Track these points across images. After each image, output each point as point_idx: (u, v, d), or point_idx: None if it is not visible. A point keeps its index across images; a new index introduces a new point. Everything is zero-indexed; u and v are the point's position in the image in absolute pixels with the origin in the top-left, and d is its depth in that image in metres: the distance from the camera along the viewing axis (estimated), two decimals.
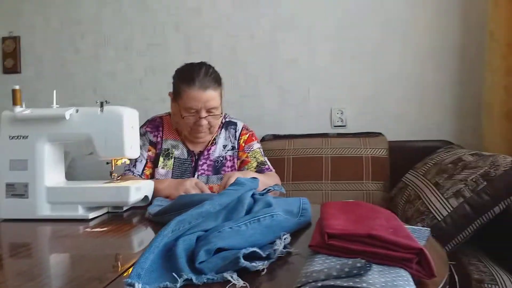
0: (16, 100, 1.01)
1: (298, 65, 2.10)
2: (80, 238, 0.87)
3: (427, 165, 1.58)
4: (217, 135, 1.47)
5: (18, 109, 1.01)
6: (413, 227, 0.86)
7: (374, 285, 0.47)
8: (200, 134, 1.39)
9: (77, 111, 1.00)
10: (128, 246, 0.82)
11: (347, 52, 2.05)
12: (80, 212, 0.99)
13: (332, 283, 0.47)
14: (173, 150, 1.43)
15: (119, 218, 1.01)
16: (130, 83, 2.25)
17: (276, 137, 2.03)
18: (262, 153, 1.51)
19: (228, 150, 1.47)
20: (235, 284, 0.53)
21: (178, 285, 0.53)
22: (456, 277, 1.18)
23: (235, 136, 1.49)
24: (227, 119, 1.52)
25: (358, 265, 0.48)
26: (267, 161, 1.50)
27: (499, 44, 1.54)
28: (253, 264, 0.58)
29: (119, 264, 0.67)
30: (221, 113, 1.42)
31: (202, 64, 1.38)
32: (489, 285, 1.16)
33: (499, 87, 1.54)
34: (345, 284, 0.46)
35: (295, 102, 2.12)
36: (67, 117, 0.98)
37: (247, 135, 1.51)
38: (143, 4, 2.22)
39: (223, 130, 1.49)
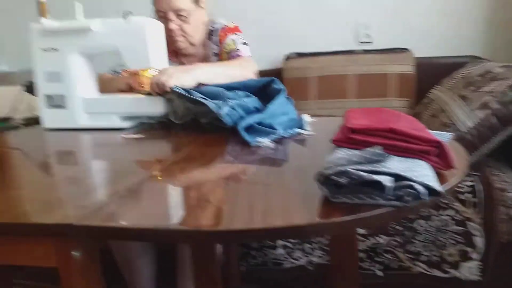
0: (43, 12, 1.03)
1: None
2: (118, 145, 0.93)
3: (454, 79, 1.55)
4: (207, 49, 1.39)
5: (45, 21, 1.03)
6: (435, 132, 0.89)
7: (393, 170, 0.50)
8: (176, 44, 1.31)
9: (102, 22, 1.01)
10: (164, 151, 0.88)
11: None
12: (116, 122, 1.04)
13: (352, 167, 0.50)
14: None
15: (153, 127, 1.07)
16: None
17: (300, 55, 2.01)
18: (238, 41, 1.34)
19: (215, 61, 1.38)
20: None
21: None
22: (481, 186, 1.22)
23: (216, 42, 1.37)
24: (211, 27, 1.38)
25: (378, 151, 0.51)
26: (240, 46, 1.33)
27: None
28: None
29: (158, 166, 0.73)
30: (203, 22, 1.34)
31: None
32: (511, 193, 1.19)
33: None
34: (364, 168, 0.50)
35: (319, 18, 2.05)
36: (93, 28, 1.00)
37: (222, 34, 1.36)
38: None
39: (209, 42, 1.39)
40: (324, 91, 1.91)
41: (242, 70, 1.16)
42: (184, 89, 0.96)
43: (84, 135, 1.03)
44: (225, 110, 0.90)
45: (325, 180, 0.52)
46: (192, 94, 0.94)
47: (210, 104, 0.90)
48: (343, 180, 0.50)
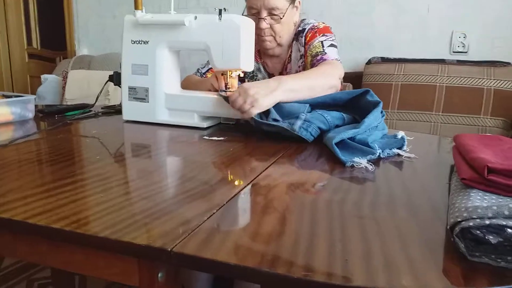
0: (137, 4, 1.01)
1: None
2: (201, 147, 0.88)
3: None
4: (291, 51, 1.31)
5: (139, 13, 1.01)
6: None
7: None
8: (264, 44, 1.25)
9: (195, 18, 0.97)
10: (249, 159, 0.81)
11: None
12: (196, 120, 1.01)
13: (503, 222, 0.41)
14: (257, 73, 1.34)
15: (232, 129, 1.02)
16: None
17: (384, 60, 1.87)
18: (325, 43, 1.21)
19: (300, 63, 1.29)
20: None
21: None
22: None
23: (303, 43, 1.27)
24: (300, 28, 1.28)
25: None
26: (328, 49, 1.20)
27: None
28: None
29: (248, 179, 0.67)
30: (294, 22, 1.26)
31: None
32: None
33: None
34: None
35: (410, 23, 1.90)
36: (186, 23, 0.96)
37: (310, 34, 1.24)
38: None
39: (294, 42, 1.29)
40: (406, 101, 1.77)
41: (325, 78, 1.07)
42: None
43: (163, 131, 1.00)
44: (298, 124, 0.89)
45: (462, 232, 0.42)
46: (270, 112, 0.94)
47: (283, 124, 0.90)
48: (492, 237, 0.40)
